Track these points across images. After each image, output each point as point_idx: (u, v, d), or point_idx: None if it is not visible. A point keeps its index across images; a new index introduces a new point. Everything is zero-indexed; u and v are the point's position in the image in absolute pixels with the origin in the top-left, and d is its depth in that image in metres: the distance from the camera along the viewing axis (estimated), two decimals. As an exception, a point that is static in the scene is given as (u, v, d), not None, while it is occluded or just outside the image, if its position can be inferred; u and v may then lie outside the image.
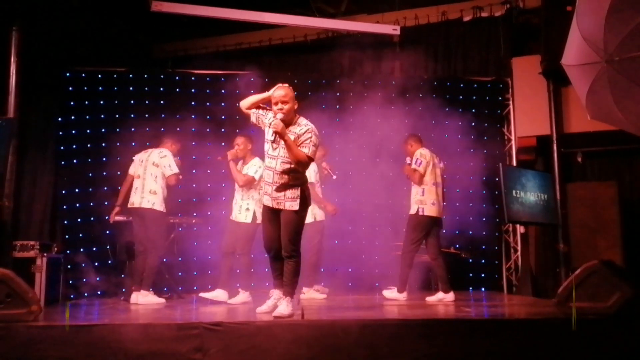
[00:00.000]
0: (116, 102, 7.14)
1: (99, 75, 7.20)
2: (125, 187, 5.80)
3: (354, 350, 3.46)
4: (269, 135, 4.14)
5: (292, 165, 4.07)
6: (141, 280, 5.55)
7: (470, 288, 7.22)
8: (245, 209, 5.57)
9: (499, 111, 7.77)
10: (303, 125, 4.10)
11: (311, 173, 5.92)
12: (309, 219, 5.39)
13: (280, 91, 4.10)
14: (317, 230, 5.95)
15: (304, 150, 4.02)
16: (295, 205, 4.09)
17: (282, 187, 4.11)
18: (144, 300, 5.42)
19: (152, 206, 5.55)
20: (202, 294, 5.45)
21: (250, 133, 5.65)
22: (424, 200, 5.57)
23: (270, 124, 4.10)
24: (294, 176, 4.11)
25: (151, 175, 5.63)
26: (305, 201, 4.15)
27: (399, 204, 6.82)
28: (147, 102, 7.20)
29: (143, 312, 4.82)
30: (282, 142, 4.04)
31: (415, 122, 7.19)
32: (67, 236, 6.78)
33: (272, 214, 4.21)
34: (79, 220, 6.86)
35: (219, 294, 5.43)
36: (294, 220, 4.09)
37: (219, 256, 5.78)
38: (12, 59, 5.98)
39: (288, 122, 4.09)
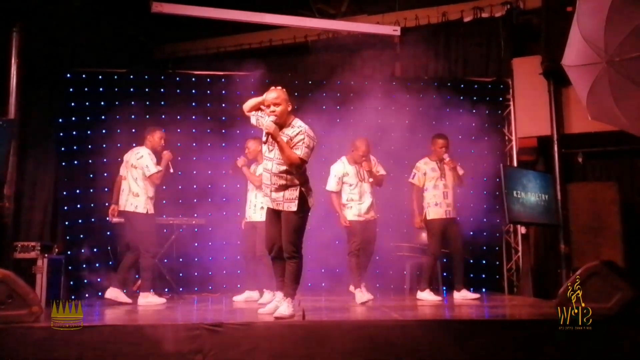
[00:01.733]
0: (117, 103, 7.13)
1: (100, 76, 7.20)
2: (115, 187, 5.77)
3: (354, 352, 3.45)
4: (263, 136, 4.16)
5: (288, 169, 4.07)
6: (124, 279, 5.61)
7: (472, 289, 7.18)
8: (260, 207, 5.56)
9: (499, 112, 7.76)
10: (296, 127, 4.09)
11: (332, 181, 5.68)
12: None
13: (272, 94, 4.11)
14: (349, 232, 5.78)
15: (296, 152, 4.02)
16: (293, 206, 4.09)
17: (280, 189, 4.11)
18: (144, 301, 5.43)
19: (135, 209, 5.50)
20: (235, 298, 5.65)
21: (255, 135, 5.68)
22: None
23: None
24: (291, 177, 4.11)
25: (132, 177, 5.60)
26: (304, 202, 4.12)
27: (400, 205, 6.82)
28: (147, 103, 7.19)
29: (143, 313, 4.82)
30: (274, 142, 4.06)
31: (416, 122, 7.20)
32: (67, 237, 6.77)
33: (274, 215, 4.23)
34: (79, 221, 6.85)
35: (251, 295, 5.66)
36: (292, 221, 4.09)
37: (243, 261, 5.99)
38: (13, 60, 5.97)
39: (282, 124, 4.09)
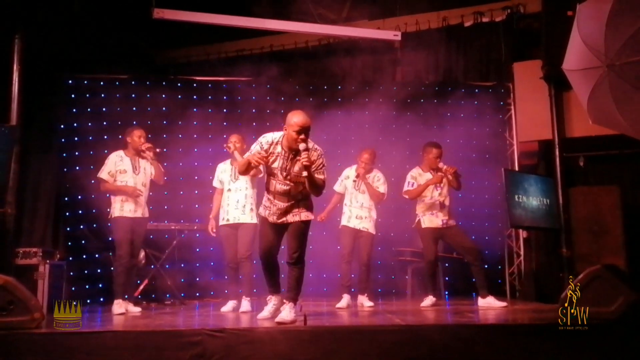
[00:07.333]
0: (118, 109, 7.17)
1: (101, 82, 7.24)
2: None
3: (356, 357, 3.44)
4: (295, 167, 4.04)
5: (304, 187, 4.09)
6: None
7: (474, 293, 7.17)
8: (249, 209, 5.46)
9: (500, 116, 7.77)
10: (312, 151, 4.00)
11: (338, 181, 5.93)
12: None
13: (299, 117, 3.99)
14: (340, 236, 5.92)
15: (320, 177, 4.03)
16: (310, 215, 4.21)
17: (296, 202, 4.16)
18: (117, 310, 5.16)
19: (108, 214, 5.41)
20: (223, 309, 5.30)
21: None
22: None
23: (294, 157, 4.01)
24: (304, 189, 4.14)
25: None
26: (313, 206, 4.25)
27: (400, 210, 6.81)
28: (149, 108, 7.22)
29: (144, 320, 4.80)
30: (293, 167, 4.05)
31: (417, 127, 7.20)
32: (69, 243, 6.78)
33: (277, 225, 4.22)
34: (81, 227, 6.86)
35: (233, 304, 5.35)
36: (305, 228, 4.17)
37: (227, 268, 5.53)
38: (15, 67, 5.98)
39: (295, 148, 3.99)
